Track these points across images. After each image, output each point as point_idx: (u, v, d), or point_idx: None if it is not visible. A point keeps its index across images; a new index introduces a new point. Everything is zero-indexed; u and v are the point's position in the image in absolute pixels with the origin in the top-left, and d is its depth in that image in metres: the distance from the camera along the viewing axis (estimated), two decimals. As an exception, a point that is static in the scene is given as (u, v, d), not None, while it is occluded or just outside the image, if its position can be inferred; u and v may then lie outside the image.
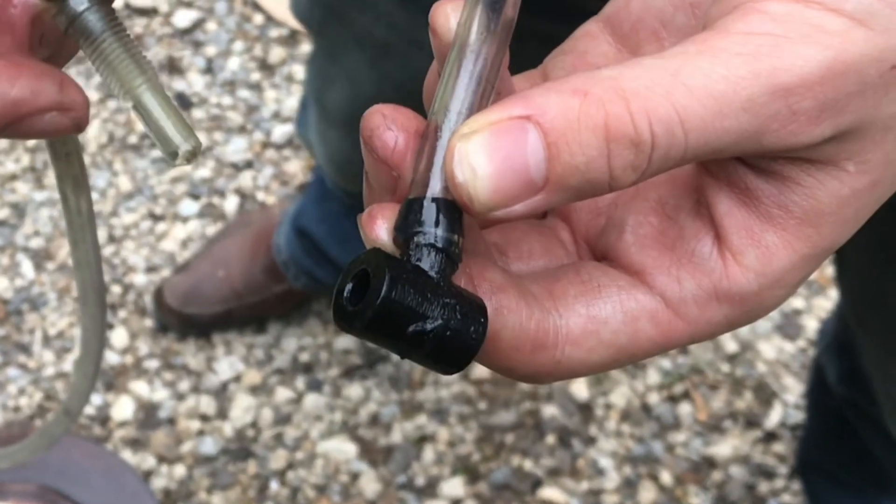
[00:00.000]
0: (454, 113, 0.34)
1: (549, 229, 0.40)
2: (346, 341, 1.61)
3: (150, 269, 1.68)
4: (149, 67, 0.35)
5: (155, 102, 0.34)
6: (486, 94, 0.35)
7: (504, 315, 0.35)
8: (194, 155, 0.34)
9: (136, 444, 1.54)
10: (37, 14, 0.35)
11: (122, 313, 1.64)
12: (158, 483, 1.51)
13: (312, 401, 1.57)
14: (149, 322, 1.63)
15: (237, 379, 1.59)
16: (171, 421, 1.56)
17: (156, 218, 1.73)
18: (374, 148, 0.35)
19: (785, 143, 0.33)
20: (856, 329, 1.00)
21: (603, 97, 0.32)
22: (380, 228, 0.34)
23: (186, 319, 1.59)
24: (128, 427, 1.55)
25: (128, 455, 1.53)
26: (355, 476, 1.52)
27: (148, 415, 1.56)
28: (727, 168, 0.36)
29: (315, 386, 1.58)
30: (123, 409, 1.56)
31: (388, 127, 0.35)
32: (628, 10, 0.40)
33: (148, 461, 1.53)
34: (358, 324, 0.33)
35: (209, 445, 1.54)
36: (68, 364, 1.59)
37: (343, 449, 1.53)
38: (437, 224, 0.34)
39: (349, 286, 0.34)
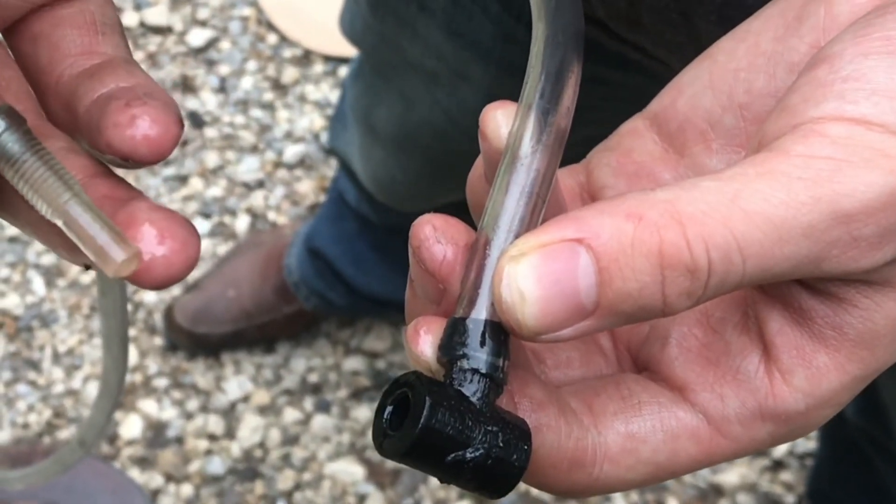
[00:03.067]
0: (503, 229, 0.34)
1: (589, 336, 0.40)
2: (354, 363, 1.61)
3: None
4: (75, 183, 0.34)
5: (87, 216, 0.33)
6: (538, 208, 0.34)
7: (543, 433, 0.34)
8: (134, 263, 0.33)
9: (143, 462, 1.54)
10: None
11: (131, 331, 1.64)
12: (166, 502, 1.51)
13: (320, 422, 1.57)
14: (158, 340, 1.63)
15: (246, 399, 1.59)
16: (179, 440, 1.56)
17: (167, 236, 1.72)
18: (422, 259, 0.35)
19: (845, 268, 0.33)
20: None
21: (658, 222, 0.31)
22: (424, 344, 0.34)
23: (196, 338, 1.59)
24: (136, 445, 1.55)
25: (135, 474, 1.53)
26: (362, 498, 1.51)
27: (156, 433, 1.56)
28: (781, 287, 0.35)
29: (323, 407, 1.58)
30: (132, 427, 1.56)
31: (438, 239, 0.34)
32: (675, 109, 0.39)
33: (155, 480, 1.52)
34: (397, 450, 0.32)
35: (217, 465, 1.54)
36: (78, 381, 1.59)
37: (350, 471, 1.53)
38: (482, 347, 0.33)
39: (389, 409, 0.34)
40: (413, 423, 0.32)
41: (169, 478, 1.53)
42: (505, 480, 0.33)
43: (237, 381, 1.60)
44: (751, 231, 0.31)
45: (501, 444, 0.33)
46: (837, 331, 0.35)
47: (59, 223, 0.33)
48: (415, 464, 0.33)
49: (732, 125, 0.38)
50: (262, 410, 1.58)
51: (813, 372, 0.35)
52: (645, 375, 0.37)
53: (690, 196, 0.32)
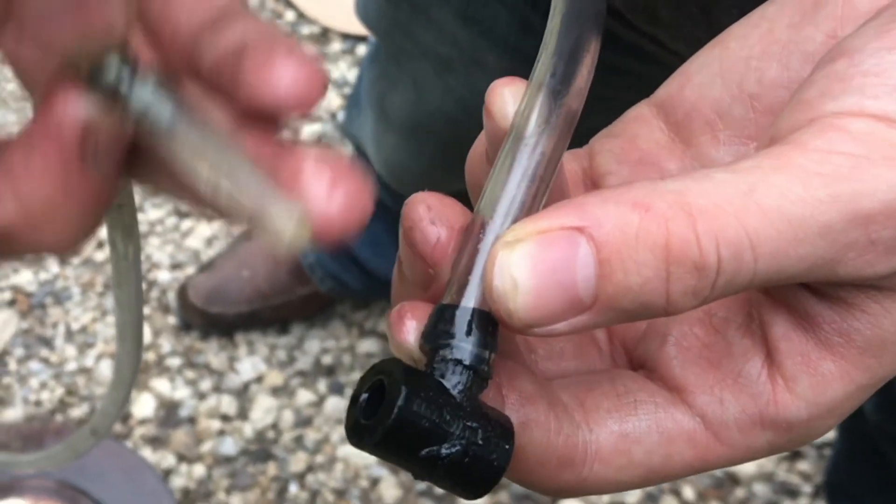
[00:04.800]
0: (501, 213, 0.32)
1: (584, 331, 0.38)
2: (369, 345, 1.60)
3: (175, 266, 1.67)
4: (239, 146, 0.31)
5: (252, 178, 0.30)
6: (540, 193, 0.33)
7: (531, 429, 0.33)
8: (306, 231, 0.30)
9: (155, 442, 1.53)
10: (89, 123, 0.31)
11: (145, 310, 1.63)
12: (177, 482, 1.50)
13: (334, 404, 1.56)
14: (172, 319, 1.63)
15: (259, 379, 1.58)
16: (192, 420, 1.55)
17: (181, 215, 1.72)
18: (413, 241, 0.33)
19: (860, 273, 0.31)
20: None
21: (666, 213, 0.29)
22: (408, 331, 0.32)
23: (210, 318, 1.58)
24: (148, 425, 1.54)
25: (147, 453, 1.52)
26: (375, 481, 1.51)
27: (169, 413, 1.55)
28: (787, 290, 0.33)
29: (337, 389, 1.57)
30: (144, 406, 1.56)
31: (432, 220, 0.33)
32: (682, 97, 0.37)
33: (167, 460, 1.52)
34: (368, 439, 0.31)
35: (229, 446, 1.53)
36: (90, 359, 1.58)
37: (364, 454, 1.52)
38: (468, 337, 0.31)
39: (364, 396, 0.32)
40: (387, 413, 0.30)
41: (181, 458, 1.52)
42: (482, 480, 0.31)
43: (251, 361, 1.59)
44: (765, 228, 0.29)
45: (481, 442, 0.31)
46: (845, 337, 0.33)
47: (223, 189, 0.30)
48: (387, 456, 0.31)
49: (742, 116, 0.36)
50: (276, 391, 1.57)
51: (818, 380, 0.33)
52: (641, 373, 0.36)
53: (702, 188, 0.30)
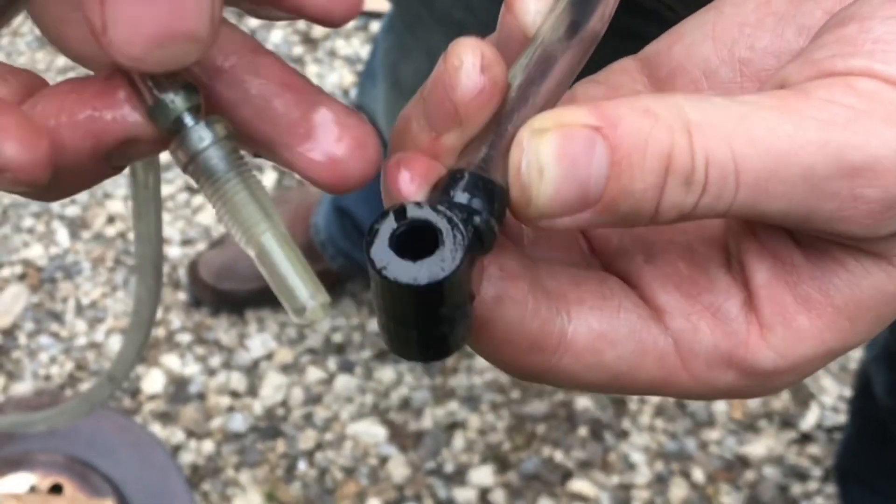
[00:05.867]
0: (524, 102, 0.32)
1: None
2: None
3: (186, 241, 1.67)
4: (275, 213, 0.31)
5: (280, 251, 0.31)
6: (558, 96, 0.33)
7: (505, 306, 0.33)
8: (322, 313, 0.31)
9: (165, 417, 1.53)
10: (133, 137, 0.31)
11: (155, 285, 1.62)
12: (186, 458, 1.50)
13: (343, 382, 1.56)
14: (182, 295, 1.62)
15: (269, 357, 1.58)
16: (202, 396, 1.55)
17: (193, 191, 1.71)
18: (453, 85, 0.32)
19: (835, 228, 0.31)
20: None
21: (672, 125, 0.30)
22: (405, 182, 0.32)
23: (220, 295, 1.58)
24: (158, 400, 1.54)
25: (157, 429, 1.52)
26: (384, 460, 1.51)
27: (178, 389, 1.55)
28: (775, 239, 0.34)
29: (347, 367, 1.57)
30: (154, 382, 1.56)
31: (482, 69, 0.32)
32: (670, 55, 0.37)
33: (177, 436, 1.52)
34: (406, 278, 0.30)
35: (238, 422, 1.53)
36: (100, 334, 1.58)
37: (372, 432, 1.52)
38: (490, 210, 0.31)
39: (396, 227, 0.30)
40: (445, 262, 0.30)
41: (190, 434, 1.52)
42: (447, 349, 0.32)
43: (261, 338, 1.59)
44: (750, 157, 0.30)
45: (468, 315, 0.32)
46: (823, 294, 0.33)
47: (251, 254, 0.31)
48: (408, 301, 0.30)
49: (728, 79, 0.36)
50: (285, 369, 1.57)
51: (792, 333, 0.33)
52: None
53: (701, 106, 0.30)
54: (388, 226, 0.30)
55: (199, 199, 1.70)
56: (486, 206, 0.31)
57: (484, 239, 0.31)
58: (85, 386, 1.55)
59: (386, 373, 1.56)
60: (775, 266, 0.34)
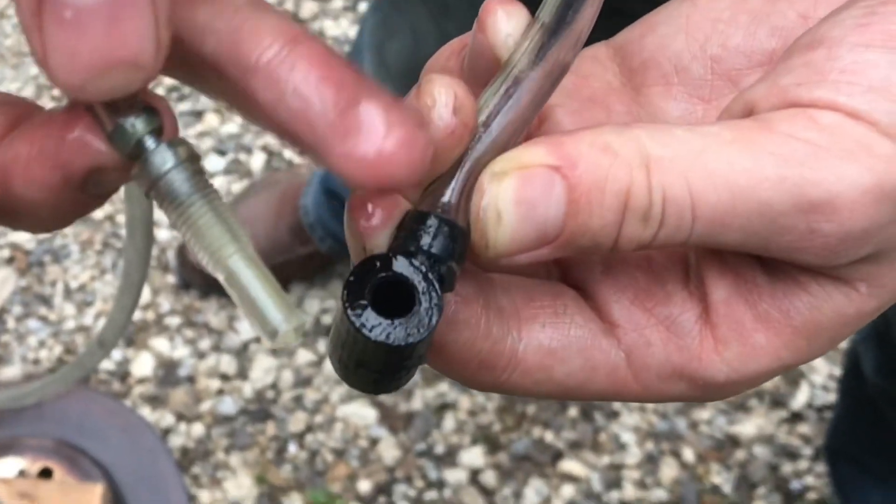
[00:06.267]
0: (492, 135, 0.33)
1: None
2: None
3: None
4: (242, 234, 0.31)
5: (250, 274, 0.30)
6: (524, 125, 0.33)
7: (460, 329, 0.33)
8: (298, 335, 0.30)
9: (154, 401, 1.53)
10: (99, 165, 0.30)
11: (144, 268, 1.62)
12: (176, 441, 1.50)
13: (333, 364, 1.55)
14: (171, 278, 1.62)
15: (258, 339, 1.57)
16: (191, 379, 1.54)
17: (181, 172, 1.70)
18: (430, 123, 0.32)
19: (792, 257, 0.32)
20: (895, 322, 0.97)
21: (631, 161, 0.30)
22: (378, 227, 0.32)
23: (209, 277, 1.56)
24: (147, 384, 1.54)
25: (146, 412, 1.52)
26: (374, 441, 1.50)
27: (168, 372, 1.55)
28: (737, 256, 0.34)
29: (337, 349, 1.56)
30: (143, 365, 1.55)
31: (454, 111, 0.32)
32: (641, 45, 0.37)
33: (166, 419, 1.51)
34: (380, 339, 0.30)
35: (228, 405, 1.52)
36: (89, 318, 1.58)
37: (363, 414, 1.52)
38: (454, 255, 0.31)
39: (375, 280, 0.31)
40: (424, 319, 0.31)
41: (180, 417, 1.52)
42: (399, 386, 0.33)
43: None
44: (707, 191, 0.30)
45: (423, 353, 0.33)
46: (783, 314, 0.33)
47: (220, 278, 0.30)
48: (379, 354, 0.31)
49: (699, 76, 0.37)
50: (275, 351, 1.56)
51: (747, 350, 0.34)
52: (581, 299, 0.36)
53: (662, 139, 0.31)
54: (370, 278, 0.31)
55: (187, 182, 1.69)
56: (450, 251, 0.31)
57: (446, 283, 0.32)
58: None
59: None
60: (736, 283, 0.34)
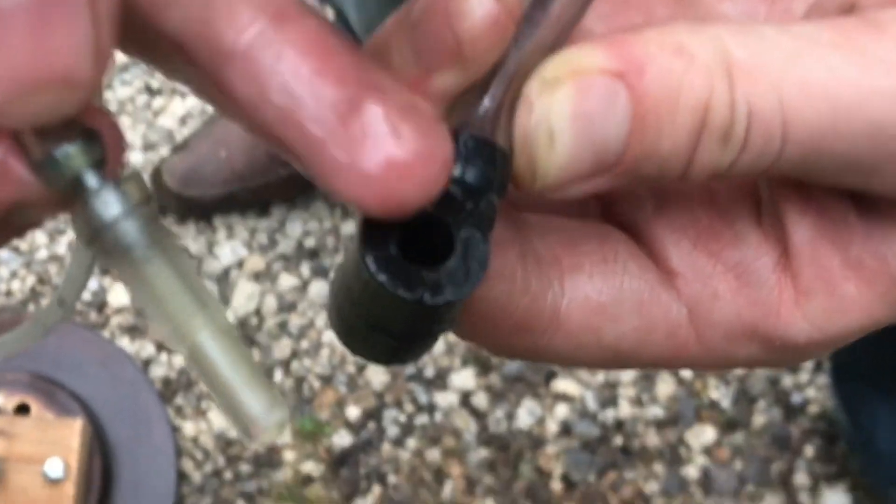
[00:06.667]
0: (535, 33, 0.25)
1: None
2: (353, 226, 1.54)
3: (148, 146, 1.60)
4: (210, 298, 0.24)
5: (223, 352, 0.24)
6: (584, 5, 0.26)
7: (491, 282, 0.26)
8: (278, 432, 0.24)
9: (133, 331, 1.48)
10: (23, 200, 0.23)
11: (118, 193, 1.56)
12: (157, 372, 1.46)
13: (318, 288, 1.51)
14: (146, 203, 1.56)
15: (239, 264, 1.52)
16: (171, 307, 1.49)
17: (153, 92, 1.64)
18: (464, 11, 0.24)
19: None
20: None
21: (711, 67, 0.24)
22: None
23: (186, 202, 1.52)
24: (125, 313, 1.49)
25: (125, 343, 1.47)
26: (362, 367, 1.46)
27: (146, 301, 1.50)
28: (823, 189, 0.27)
29: (321, 272, 1.52)
30: (120, 294, 1.50)
31: None
32: None
33: (146, 349, 1.47)
34: (409, 296, 0.23)
35: (210, 333, 1.48)
36: (62, 247, 1.52)
37: (350, 338, 1.47)
38: (496, 185, 0.25)
39: (395, 231, 0.24)
40: (473, 272, 0.24)
41: (160, 347, 1.47)
42: (415, 359, 0.26)
43: (230, 245, 1.53)
44: (802, 106, 0.24)
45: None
46: (880, 260, 0.27)
47: (182, 353, 0.24)
48: (404, 315, 0.24)
49: None
50: (257, 276, 1.52)
51: (834, 303, 0.27)
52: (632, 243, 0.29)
53: (746, 40, 0.25)
54: (389, 223, 0.24)
55: (159, 101, 1.63)
56: (489, 180, 0.25)
57: (486, 222, 0.25)
58: (47, 301, 1.49)
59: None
60: (822, 221, 0.27)
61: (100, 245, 0.24)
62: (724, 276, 0.28)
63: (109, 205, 0.23)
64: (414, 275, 0.24)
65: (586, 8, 0.26)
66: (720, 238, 0.28)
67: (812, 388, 1.45)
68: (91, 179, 0.23)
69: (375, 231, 0.24)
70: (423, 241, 0.24)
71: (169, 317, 0.24)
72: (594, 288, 0.28)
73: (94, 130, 0.23)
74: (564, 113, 0.24)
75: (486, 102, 0.25)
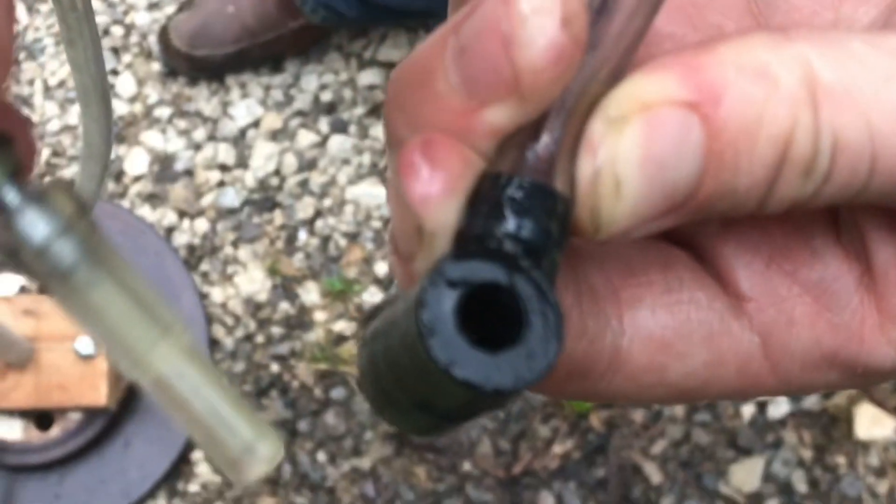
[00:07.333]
0: (595, 58, 0.22)
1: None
2: (371, 76, 1.49)
3: (153, 5, 1.54)
4: (173, 319, 0.20)
5: (193, 379, 0.20)
6: (649, 19, 0.23)
7: None
8: (268, 465, 0.20)
9: (153, 199, 1.45)
10: None
11: (126, 57, 1.51)
12: (181, 239, 1.43)
13: (338, 143, 1.47)
14: (156, 66, 1.51)
15: (256, 124, 1.48)
16: (189, 173, 1.46)
17: (154, -51, 1.58)
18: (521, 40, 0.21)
19: None
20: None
21: (796, 94, 0.21)
22: (441, 196, 0.21)
23: (196, 62, 1.47)
24: (144, 181, 1.45)
25: (146, 211, 1.44)
26: (388, 221, 1.43)
27: (164, 167, 1.46)
28: None
29: (340, 127, 1.48)
30: (137, 162, 1.46)
31: (562, 23, 0.21)
32: None
33: (168, 217, 1.44)
34: (476, 381, 0.20)
35: (231, 197, 1.44)
36: (73, 116, 1.48)
37: (374, 193, 1.44)
38: (550, 238, 0.21)
39: (456, 295, 0.20)
40: (536, 358, 0.21)
41: (182, 213, 1.44)
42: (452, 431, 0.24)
43: (245, 104, 1.49)
44: (894, 134, 0.21)
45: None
46: None
47: (146, 384, 0.20)
48: (462, 400, 0.21)
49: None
50: (275, 135, 1.47)
51: None
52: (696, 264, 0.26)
53: (834, 59, 0.21)
54: (451, 295, 0.20)
55: (161, -41, 1.57)
56: (549, 234, 0.22)
57: (549, 282, 0.22)
58: (65, 173, 1.46)
59: (382, 128, 1.47)
60: None
61: (32, 272, 0.20)
62: (801, 299, 0.25)
63: (36, 224, 0.20)
64: (479, 358, 0.20)
65: (651, 20, 0.23)
66: (795, 257, 0.25)
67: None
68: (10, 194, 0.19)
69: (434, 305, 0.20)
70: (479, 308, 0.21)
71: (126, 349, 0.20)
72: (657, 323, 0.25)
73: (6, 134, 0.20)
74: (633, 159, 0.21)
75: (543, 141, 0.22)
